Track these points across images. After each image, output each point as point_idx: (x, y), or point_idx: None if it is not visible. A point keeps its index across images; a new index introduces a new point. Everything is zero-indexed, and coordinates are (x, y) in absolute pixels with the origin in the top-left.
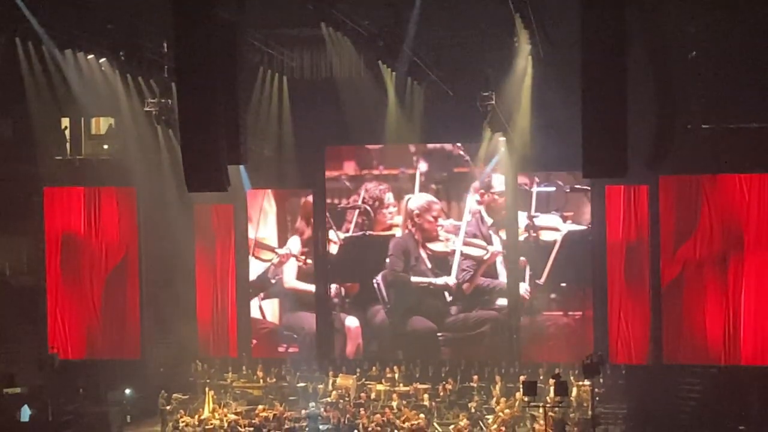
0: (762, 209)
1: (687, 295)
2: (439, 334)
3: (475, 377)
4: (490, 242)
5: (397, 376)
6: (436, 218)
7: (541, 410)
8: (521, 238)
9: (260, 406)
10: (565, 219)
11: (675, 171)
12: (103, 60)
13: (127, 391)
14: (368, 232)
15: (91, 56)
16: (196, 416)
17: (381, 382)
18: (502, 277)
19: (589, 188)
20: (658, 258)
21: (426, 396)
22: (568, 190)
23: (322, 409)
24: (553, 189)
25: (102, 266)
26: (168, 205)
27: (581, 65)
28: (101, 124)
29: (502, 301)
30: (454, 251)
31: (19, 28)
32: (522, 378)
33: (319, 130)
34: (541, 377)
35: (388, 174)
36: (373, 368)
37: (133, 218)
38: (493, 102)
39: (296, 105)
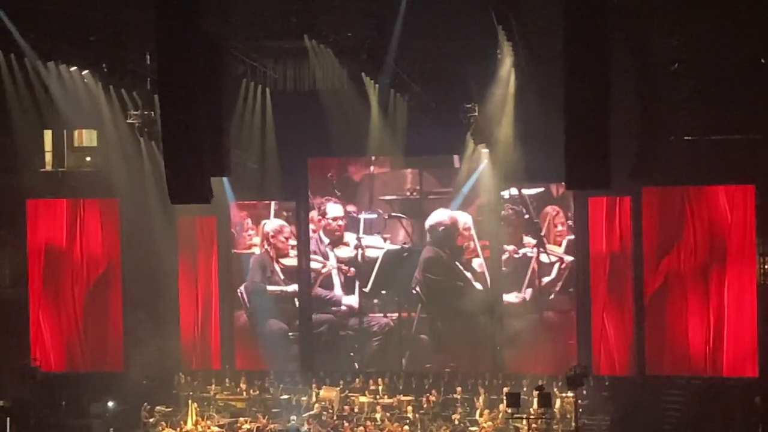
0: (745, 220)
1: (670, 307)
2: (290, 333)
3: (459, 389)
4: (326, 258)
5: (380, 388)
6: (287, 239)
7: (524, 422)
8: (351, 254)
9: (243, 419)
10: (384, 239)
11: (658, 182)
12: (85, 72)
13: (110, 403)
14: (233, 251)
15: (73, 68)
16: (179, 429)
17: (364, 394)
18: (337, 287)
19: (404, 216)
20: (641, 269)
21: (410, 408)
22: (386, 217)
23: (305, 424)
24: (375, 216)
25: (84, 278)
26: (151, 217)
27: (564, 77)
28: (84, 136)
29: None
30: (300, 264)
31: (1, 40)
32: (505, 390)
33: (302, 142)
34: (525, 389)
35: (248, 203)
36: (357, 380)
37: (116, 230)
38: (476, 114)
39: (279, 117)
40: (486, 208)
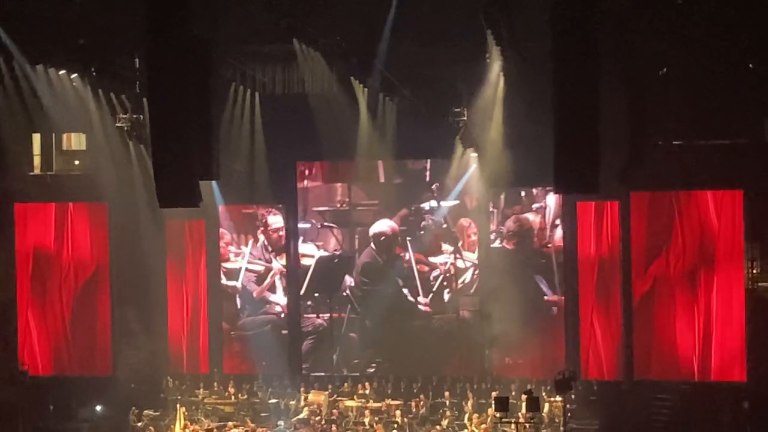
0: (733, 225)
1: (658, 311)
2: (231, 332)
3: (447, 393)
4: (270, 263)
5: (369, 392)
6: (227, 245)
7: (513, 426)
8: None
9: (231, 423)
10: (318, 247)
11: (646, 187)
12: (74, 75)
13: (98, 407)
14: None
15: (62, 71)
16: None
17: (353, 398)
18: (279, 290)
19: (335, 226)
20: (629, 274)
21: (398, 412)
22: (319, 227)
23: (294, 428)
24: (308, 225)
25: (73, 282)
26: (140, 220)
27: (553, 82)
28: (73, 140)
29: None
30: (241, 267)
31: None
32: (494, 394)
33: (291, 146)
34: (513, 393)
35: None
36: (345, 384)
37: (105, 234)
38: (465, 117)
39: (268, 121)
40: (476, 210)
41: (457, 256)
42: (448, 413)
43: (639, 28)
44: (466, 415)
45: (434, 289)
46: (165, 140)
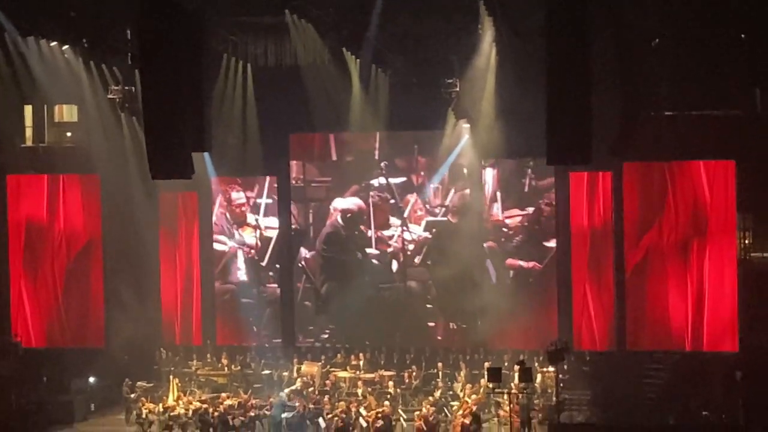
0: (725, 196)
1: (651, 282)
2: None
3: (440, 364)
4: (231, 236)
5: (362, 363)
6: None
7: (505, 396)
8: (252, 233)
9: (224, 394)
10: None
11: (638, 158)
12: (66, 47)
13: (91, 379)
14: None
15: (54, 43)
16: (160, 404)
17: (346, 370)
18: (240, 261)
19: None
20: (622, 244)
21: (391, 383)
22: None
23: (286, 398)
24: (270, 201)
25: (65, 254)
26: (132, 192)
27: (545, 53)
28: (65, 112)
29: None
30: None
31: None
32: (487, 364)
33: (284, 118)
34: (506, 364)
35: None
36: (338, 356)
37: (97, 206)
38: (458, 89)
39: (260, 92)
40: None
41: (404, 229)
42: (440, 384)
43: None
44: (459, 386)
45: (384, 261)
46: (157, 112)
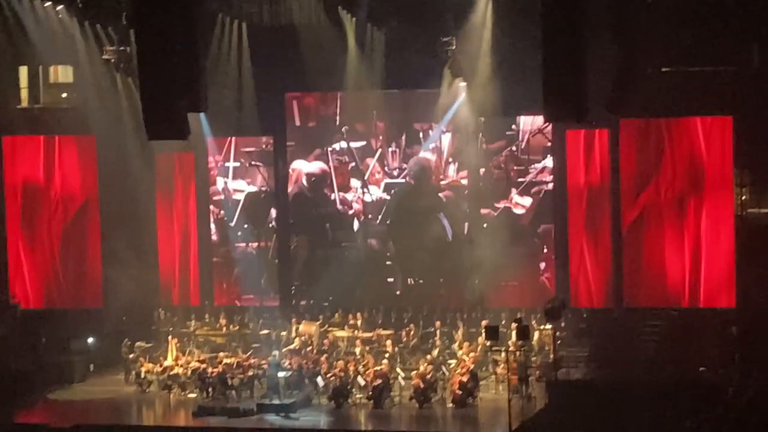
0: (722, 152)
1: (648, 239)
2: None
3: (438, 323)
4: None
5: (359, 322)
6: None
7: (503, 354)
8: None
9: (223, 354)
10: (248, 183)
11: (635, 115)
12: (60, 7)
13: (90, 340)
14: None
15: (48, 4)
16: (159, 364)
17: (344, 329)
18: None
19: (261, 164)
20: (618, 202)
21: (389, 342)
22: (248, 165)
23: (282, 357)
24: (238, 164)
25: (62, 215)
26: (128, 153)
27: (541, 10)
28: (60, 73)
29: None
30: None
31: None
32: (484, 323)
33: (279, 77)
34: (503, 322)
35: None
36: (336, 315)
37: (93, 167)
38: (454, 47)
39: (256, 52)
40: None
41: (364, 191)
42: (438, 342)
43: None
44: (456, 344)
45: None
46: (152, 72)
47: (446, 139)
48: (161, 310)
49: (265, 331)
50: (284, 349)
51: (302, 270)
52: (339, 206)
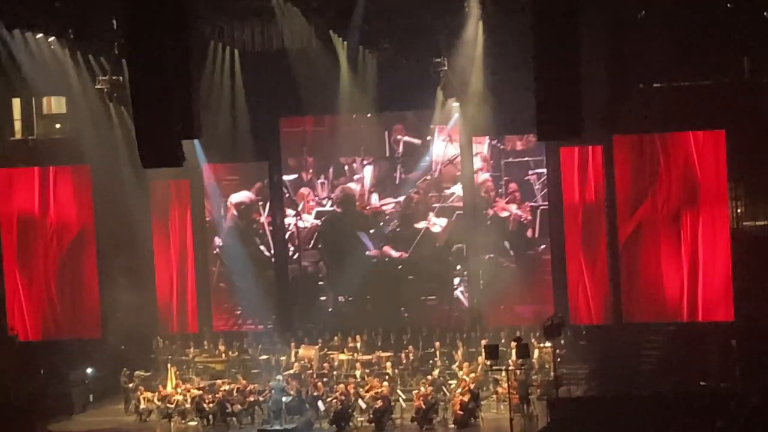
0: (716, 165)
1: (644, 254)
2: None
3: (437, 343)
4: None
5: (359, 345)
6: None
7: (504, 373)
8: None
9: (222, 380)
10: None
11: (629, 130)
12: (52, 39)
13: (89, 370)
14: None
15: (40, 35)
16: (159, 393)
17: (343, 352)
18: None
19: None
20: (614, 218)
21: (389, 364)
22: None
23: (284, 382)
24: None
25: (58, 246)
26: (123, 182)
27: (533, 29)
28: (53, 104)
29: None
30: None
31: None
32: (483, 342)
33: (273, 102)
34: (503, 341)
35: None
36: (335, 338)
37: (88, 196)
38: (446, 68)
39: (249, 77)
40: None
41: (298, 218)
42: (438, 363)
43: None
44: (456, 364)
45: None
46: (145, 101)
47: (369, 171)
48: (160, 339)
49: (265, 357)
50: (284, 374)
51: (245, 291)
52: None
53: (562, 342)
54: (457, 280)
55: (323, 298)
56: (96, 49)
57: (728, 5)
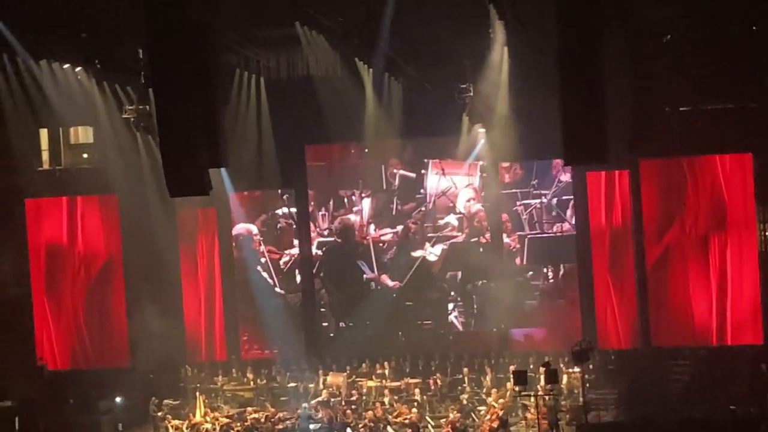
0: (744, 189)
1: (672, 278)
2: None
3: (465, 369)
4: None
5: (387, 371)
6: None
7: (532, 399)
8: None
9: (251, 408)
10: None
11: (655, 154)
12: (78, 69)
13: (118, 399)
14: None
15: (66, 65)
16: (188, 421)
17: (371, 378)
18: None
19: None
20: (642, 242)
21: (417, 390)
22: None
23: (312, 409)
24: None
25: (87, 275)
26: (150, 211)
27: (557, 53)
28: (80, 133)
29: None
30: None
31: None
32: (512, 368)
33: (299, 130)
34: (531, 366)
35: None
36: (363, 365)
37: (116, 226)
38: (471, 94)
39: (274, 105)
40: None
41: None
42: (467, 389)
43: None
44: (485, 390)
45: (284, 272)
46: (172, 130)
47: (366, 203)
48: (188, 367)
49: (293, 384)
50: (313, 401)
51: (255, 316)
52: (278, 258)
53: (591, 367)
54: (451, 306)
55: (325, 324)
56: (122, 79)
57: (754, 28)
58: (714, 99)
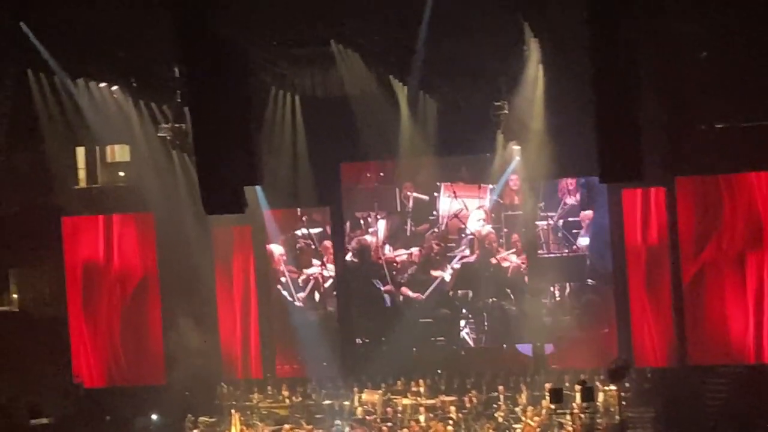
0: None
1: (709, 296)
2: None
3: (501, 387)
4: None
5: (422, 389)
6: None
7: (568, 417)
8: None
9: (287, 426)
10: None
11: (691, 172)
12: (115, 87)
13: (154, 416)
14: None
15: (103, 84)
16: None
17: (407, 396)
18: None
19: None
20: (678, 260)
21: (452, 408)
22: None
23: (348, 428)
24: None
25: (123, 293)
26: (186, 228)
27: (593, 71)
28: (117, 152)
29: None
30: None
31: (30, 59)
32: (548, 386)
33: (334, 147)
34: (567, 384)
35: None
36: (398, 382)
37: (152, 244)
38: (506, 111)
39: (309, 123)
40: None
41: (323, 267)
42: (502, 406)
43: (677, 11)
44: (521, 408)
45: (307, 290)
46: (207, 148)
47: (382, 224)
48: (224, 384)
49: (328, 402)
50: (347, 420)
51: (279, 332)
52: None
53: (627, 385)
54: (462, 323)
55: (359, 341)
56: (158, 97)
57: None
58: (750, 116)
